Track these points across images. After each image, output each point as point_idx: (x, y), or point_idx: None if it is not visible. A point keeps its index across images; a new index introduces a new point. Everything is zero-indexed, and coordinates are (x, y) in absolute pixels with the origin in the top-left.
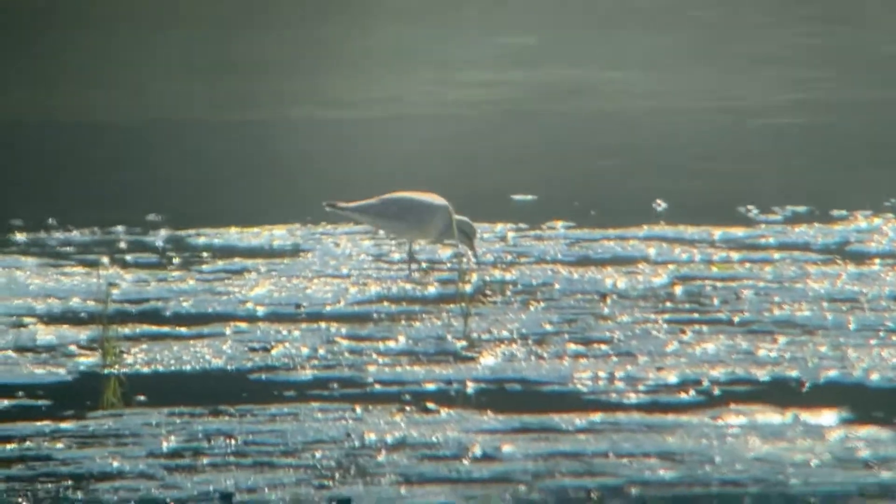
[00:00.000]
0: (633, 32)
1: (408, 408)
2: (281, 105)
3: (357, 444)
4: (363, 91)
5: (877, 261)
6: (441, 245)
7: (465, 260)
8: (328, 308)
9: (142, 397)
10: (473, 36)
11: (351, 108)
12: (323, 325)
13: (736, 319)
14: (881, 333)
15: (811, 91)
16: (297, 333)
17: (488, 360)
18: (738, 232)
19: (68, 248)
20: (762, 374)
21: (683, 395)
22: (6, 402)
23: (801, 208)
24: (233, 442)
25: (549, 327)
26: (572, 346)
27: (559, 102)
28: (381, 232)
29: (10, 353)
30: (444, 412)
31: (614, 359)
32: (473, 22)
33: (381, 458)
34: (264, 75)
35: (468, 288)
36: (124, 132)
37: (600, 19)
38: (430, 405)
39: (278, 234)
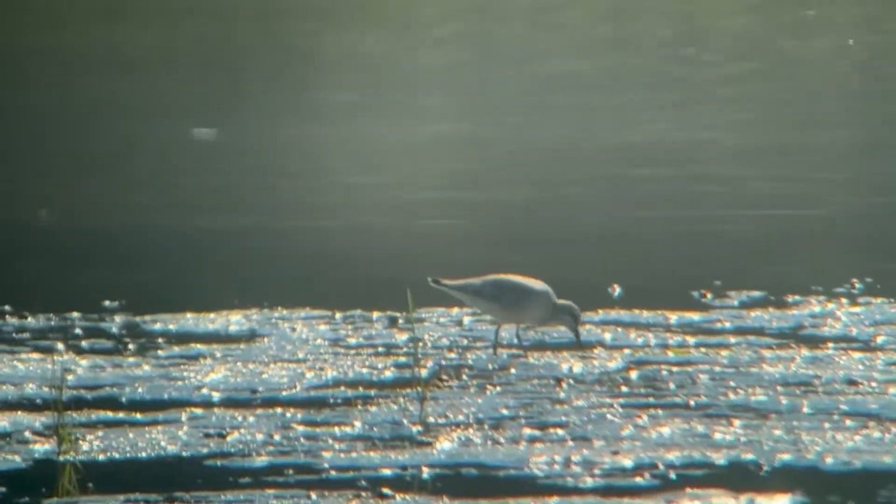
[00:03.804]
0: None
1: (363, 494)
2: (236, 197)
3: None
4: (318, 193)
5: (830, 345)
6: (541, 328)
7: (421, 345)
8: (284, 393)
9: (97, 484)
10: (433, 121)
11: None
12: (279, 410)
13: (692, 403)
14: (835, 417)
15: (765, 177)
16: (252, 419)
17: (444, 444)
18: (694, 316)
19: (24, 335)
20: (718, 458)
21: (639, 479)
22: None
23: (756, 293)
24: None
25: (505, 412)
26: (528, 431)
27: (513, 188)
28: (488, 315)
29: None
30: (399, 498)
31: (570, 443)
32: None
33: None
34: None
35: (424, 372)
36: (78, 220)
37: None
38: (386, 491)
39: (234, 320)
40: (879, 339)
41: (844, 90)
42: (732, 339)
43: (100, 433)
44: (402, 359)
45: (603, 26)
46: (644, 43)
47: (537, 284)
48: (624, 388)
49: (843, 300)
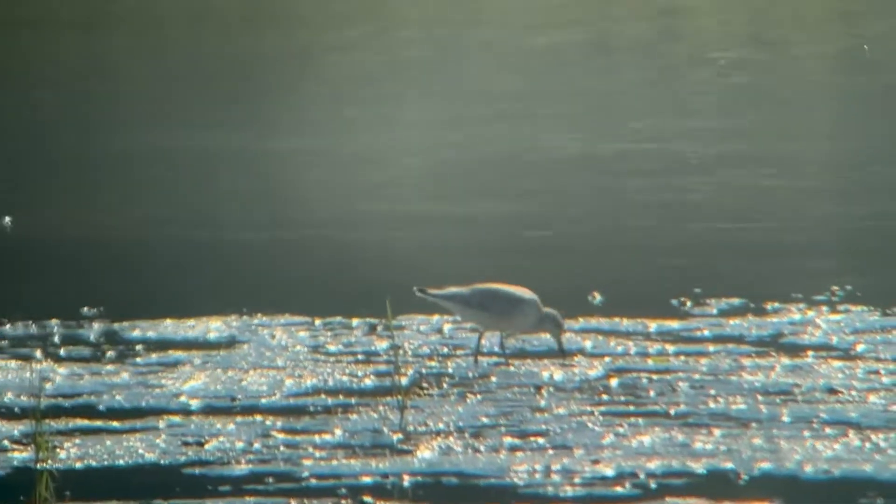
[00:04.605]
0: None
1: (343, 502)
2: (217, 200)
3: None
4: (293, 213)
5: (810, 353)
6: (528, 335)
7: (401, 352)
8: (263, 401)
9: (74, 492)
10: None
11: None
12: (258, 417)
13: (671, 412)
14: (815, 425)
15: (745, 185)
16: (231, 427)
17: (424, 453)
18: (674, 324)
19: (1, 342)
20: (698, 467)
21: (619, 488)
22: None
23: (736, 301)
24: None
25: (485, 420)
26: (508, 439)
27: (492, 198)
28: (470, 324)
29: None
30: None
31: (550, 451)
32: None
33: None
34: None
35: (404, 380)
36: (57, 227)
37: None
38: (367, 499)
39: (213, 326)
40: (859, 348)
41: (843, 97)
42: (712, 348)
43: (77, 441)
44: (383, 366)
45: (578, 30)
46: (621, 47)
47: (525, 293)
48: (604, 397)
49: (823, 308)
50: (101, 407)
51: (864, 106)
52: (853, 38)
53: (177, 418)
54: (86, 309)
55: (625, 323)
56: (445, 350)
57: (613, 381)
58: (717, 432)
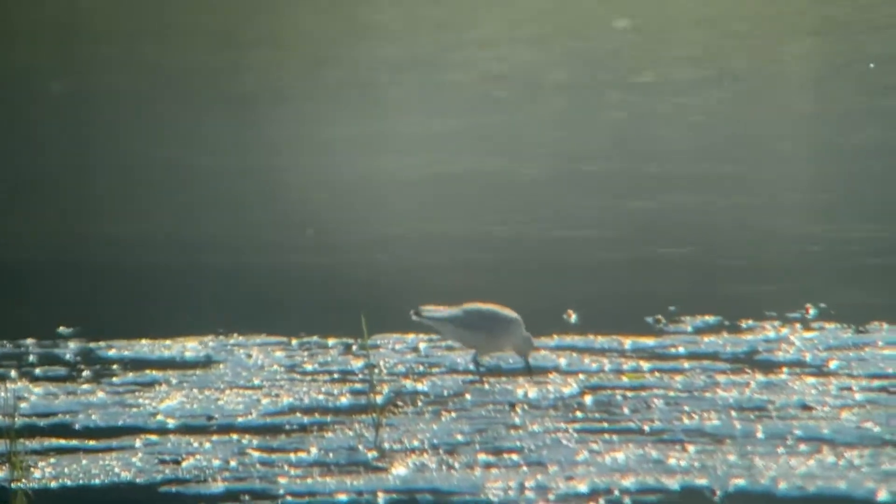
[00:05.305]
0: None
1: None
2: (191, 216)
3: None
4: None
5: (784, 370)
6: (503, 353)
7: (376, 370)
8: (240, 419)
9: None
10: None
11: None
12: (234, 436)
13: (646, 428)
14: (789, 442)
15: (718, 203)
16: (208, 445)
17: (400, 470)
18: (648, 341)
19: None
20: (672, 483)
21: None
22: None
23: (710, 318)
24: None
25: (460, 437)
26: (483, 456)
27: (466, 218)
28: (457, 343)
29: None
30: None
31: (525, 468)
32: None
33: None
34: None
35: (379, 398)
36: (33, 244)
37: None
38: None
39: (190, 346)
40: (832, 364)
41: (832, 114)
42: (686, 364)
43: (53, 460)
44: (358, 385)
45: (551, 48)
46: (601, 63)
47: (511, 313)
48: (578, 414)
49: (797, 325)
50: (76, 426)
51: (841, 125)
52: (855, 54)
53: (153, 437)
54: (62, 328)
55: (599, 340)
56: (421, 368)
57: (588, 398)
58: (691, 448)
